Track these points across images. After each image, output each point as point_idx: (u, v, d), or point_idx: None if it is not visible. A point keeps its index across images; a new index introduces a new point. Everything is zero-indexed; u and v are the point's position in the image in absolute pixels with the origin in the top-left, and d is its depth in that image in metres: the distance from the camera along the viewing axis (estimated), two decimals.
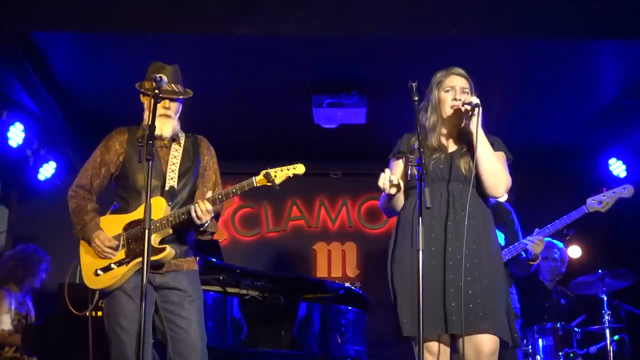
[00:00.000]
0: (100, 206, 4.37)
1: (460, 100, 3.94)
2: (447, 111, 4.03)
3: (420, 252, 3.61)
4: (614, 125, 7.67)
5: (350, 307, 6.45)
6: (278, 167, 4.05)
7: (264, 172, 4.03)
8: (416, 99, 3.87)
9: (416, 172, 3.71)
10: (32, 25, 6.02)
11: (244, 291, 6.20)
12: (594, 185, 8.15)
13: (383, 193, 3.91)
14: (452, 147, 4.08)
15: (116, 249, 4.17)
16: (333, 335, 6.22)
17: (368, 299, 6.70)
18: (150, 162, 3.68)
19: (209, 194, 4.14)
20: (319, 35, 6.18)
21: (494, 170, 3.93)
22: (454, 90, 4.04)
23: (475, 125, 3.87)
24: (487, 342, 3.80)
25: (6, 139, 7.16)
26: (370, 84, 7.04)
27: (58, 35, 6.33)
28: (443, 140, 4.08)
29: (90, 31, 6.09)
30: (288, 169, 4.05)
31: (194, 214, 4.05)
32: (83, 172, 4.38)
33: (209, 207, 4.05)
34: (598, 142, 8.12)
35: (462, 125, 4.02)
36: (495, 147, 4.02)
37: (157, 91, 3.85)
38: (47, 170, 8.04)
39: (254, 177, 4.05)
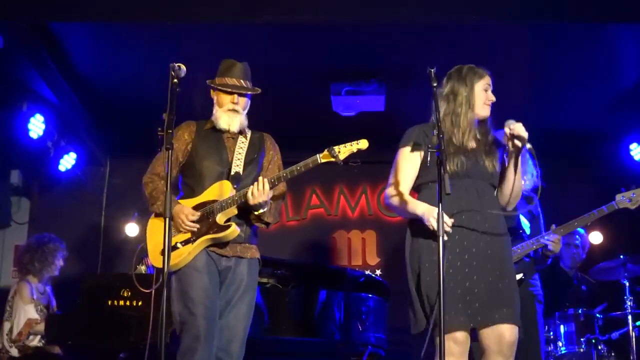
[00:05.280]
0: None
1: (514, 127, 3.92)
2: (483, 109, 4.07)
3: (441, 238, 3.62)
4: (635, 110, 7.60)
5: (370, 295, 6.44)
6: (341, 143, 4.09)
7: (327, 148, 4.07)
8: (435, 85, 3.85)
9: (436, 159, 3.71)
10: (50, 16, 6.05)
11: (264, 279, 6.20)
12: (615, 170, 8.14)
13: (407, 208, 3.99)
14: (476, 143, 4.07)
15: (196, 222, 4.24)
16: (354, 323, 6.22)
17: (388, 287, 6.70)
18: (170, 151, 3.70)
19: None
20: (337, 23, 6.17)
21: (518, 195, 4.13)
22: (489, 89, 4.11)
23: (516, 160, 4.01)
24: (508, 332, 3.86)
25: (27, 130, 7.21)
26: (388, 71, 7.02)
27: (76, 26, 6.36)
28: (472, 136, 4.07)
29: (108, 21, 6.12)
30: (352, 145, 4.09)
31: (249, 193, 4.11)
32: (156, 161, 4.48)
33: (267, 186, 4.12)
34: (619, 126, 8.05)
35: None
36: None
37: (175, 80, 3.86)
38: (67, 162, 8.09)
39: (317, 155, 4.10)
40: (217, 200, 4.24)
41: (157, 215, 4.36)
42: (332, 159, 4.05)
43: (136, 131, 6.76)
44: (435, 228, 3.69)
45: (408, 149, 4.08)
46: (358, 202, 9.06)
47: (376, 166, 9.04)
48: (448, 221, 3.75)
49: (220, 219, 4.22)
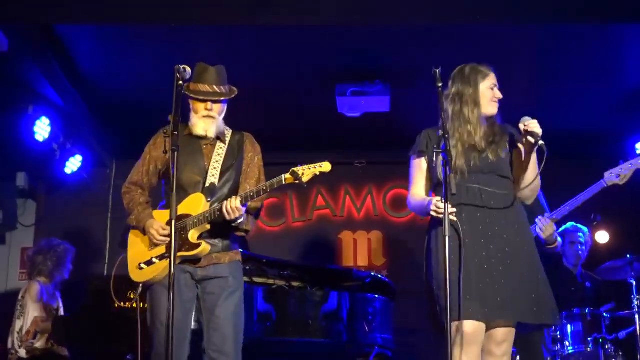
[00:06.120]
0: (152, 200, 4.44)
1: (529, 123, 3.91)
2: (490, 106, 4.07)
3: (447, 238, 3.61)
4: None
5: (377, 296, 6.44)
6: (305, 165, 4.03)
7: (291, 170, 4.03)
8: (440, 85, 3.86)
9: (442, 159, 3.71)
10: (55, 18, 6.06)
11: (270, 281, 6.21)
12: None
13: (418, 204, 4.05)
14: (485, 141, 4.06)
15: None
16: (360, 324, 6.22)
17: (395, 287, 6.69)
18: (176, 153, 3.73)
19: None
20: (342, 24, 6.16)
21: (536, 189, 4.11)
22: (496, 87, 4.10)
23: (529, 156, 3.99)
24: (500, 332, 3.89)
25: (33, 133, 7.23)
26: (393, 72, 7.02)
27: (81, 28, 6.37)
28: (481, 135, 4.06)
29: (113, 23, 6.12)
30: (315, 167, 4.02)
31: (224, 210, 4.08)
32: (135, 169, 4.46)
33: (238, 204, 4.08)
34: (625, 126, 8.03)
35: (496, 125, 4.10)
36: None
37: (180, 82, 3.87)
38: (73, 164, 8.11)
39: (283, 176, 4.03)
40: (190, 215, 4.18)
41: (134, 227, 4.37)
42: (296, 182, 3.98)
43: (142, 133, 6.75)
44: (436, 213, 3.77)
45: (415, 157, 4.16)
46: (364, 203, 9.06)
47: (382, 167, 9.07)
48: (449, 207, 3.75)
49: (192, 235, 4.18)
